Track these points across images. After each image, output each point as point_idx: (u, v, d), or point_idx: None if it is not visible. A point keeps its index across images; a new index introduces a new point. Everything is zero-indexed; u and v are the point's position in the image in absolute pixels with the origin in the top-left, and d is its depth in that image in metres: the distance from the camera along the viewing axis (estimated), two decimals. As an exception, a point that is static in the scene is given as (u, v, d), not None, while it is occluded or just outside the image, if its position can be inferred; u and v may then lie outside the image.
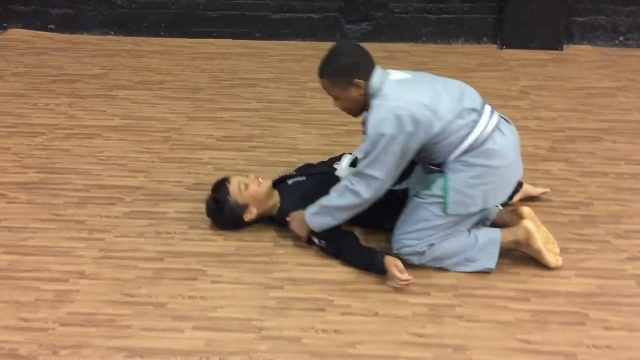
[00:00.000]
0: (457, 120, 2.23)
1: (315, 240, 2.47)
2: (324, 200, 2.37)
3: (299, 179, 2.72)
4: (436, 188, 2.30)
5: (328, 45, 2.44)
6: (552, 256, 2.41)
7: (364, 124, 2.32)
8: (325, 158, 3.07)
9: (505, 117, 2.43)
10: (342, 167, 2.65)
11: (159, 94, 3.98)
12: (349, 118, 3.35)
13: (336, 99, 2.32)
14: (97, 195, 2.93)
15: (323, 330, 2.15)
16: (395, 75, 2.30)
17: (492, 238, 2.36)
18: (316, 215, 2.39)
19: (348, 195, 2.31)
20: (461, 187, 2.28)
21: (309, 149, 3.32)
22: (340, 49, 2.32)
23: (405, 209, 2.41)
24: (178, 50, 4.69)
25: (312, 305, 2.26)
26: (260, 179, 2.60)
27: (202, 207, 2.72)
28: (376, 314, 2.22)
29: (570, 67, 4.40)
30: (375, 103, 2.22)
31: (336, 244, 2.41)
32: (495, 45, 4.77)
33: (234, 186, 2.57)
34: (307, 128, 3.54)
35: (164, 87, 4.06)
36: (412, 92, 2.22)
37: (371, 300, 2.28)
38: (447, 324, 2.19)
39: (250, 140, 3.42)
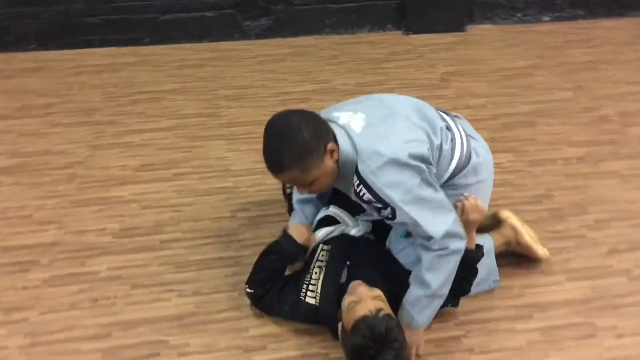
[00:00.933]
0: (442, 143, 1.96)
1: None
2: (422, 291, 1.89)
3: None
4: None
5: (229, 45, 2.06)
6: (541, 248, 2.30)
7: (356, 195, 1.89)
8: (265, 179, 2.73)
9: (456, 114, 2.20)
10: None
11: (48, 120, 3.40)
12: None
13: (312, 183, 1.82)
14: (3, 261, 2.38)
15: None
16: (353, 123, 1.85)
17: (487, 249, 2.15)
18: (423, 314, 1.92)
19: (448, 259, 1.87)
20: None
21: (244, 169, 2.95)
22: (286, 124, 1.76)
23: (395, 254, 2.10)
24: (56, 66, 4.06)
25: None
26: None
27: (140, 258, 2.30)
28: None
29: (479, 49, 4.33)
30: (366, 169, 1.78)
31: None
32: (400, 32, 4.60)
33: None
34: (234, 144, 3.16)
35: (51, 112, 3.48)
36: (390, 136, 1.82)
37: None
38: (460, 362, 1.96)
39: (174, 166, 2.98)
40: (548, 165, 2.98)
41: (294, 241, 2.04)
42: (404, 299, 1.92)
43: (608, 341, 2.04)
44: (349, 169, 1.83)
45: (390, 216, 1.82)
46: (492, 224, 2.33)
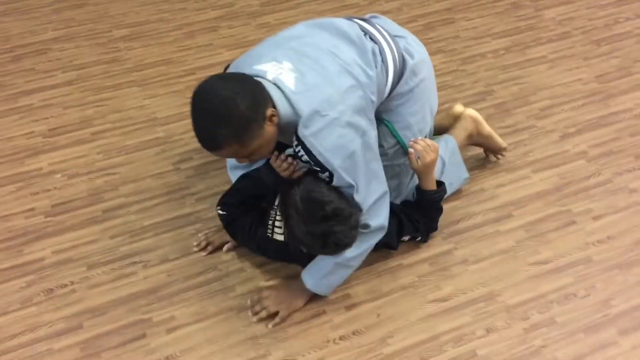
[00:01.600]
0: (370, 69, 1.78)
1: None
2: (333, 258, 1.78)
3: None
4: (385, 140, 1.93)
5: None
6: (500, 138, 2.28)
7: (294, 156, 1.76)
8: None
9: (374, 14, 2.03)
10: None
11: None
12: (192, 62, 2.76)
13: (252, 153, 1.64)
14: None
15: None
16: (284, 77, 1.64)
17: (451, 149, 2.11)
18: (325, 278, 1.83)
19: (369, 237, 1.79)
20: (407, 120, 1.94)
21: (171, 115, 2.69)
22: (218, 98, 1.54)
23: None
24: None
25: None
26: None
27: (86, 234, 2.06)
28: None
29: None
30: (306, 133, 1.62)
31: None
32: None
33: None
34: (150, 89, 2.86)
35: None
36: (326, 88, 1.64)
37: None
38: (458, 275, 1.94)
39: (89, 124, 2.66)
40: (479, 60, 2.96)
41: (275, 171, 1.85)
42: (314, 260, 1.82)
43: (588, 225, 2.09)
44: (289, 130, 1.67)
45: (327, 179, 1.69)
46: (449, 120, 2.27)
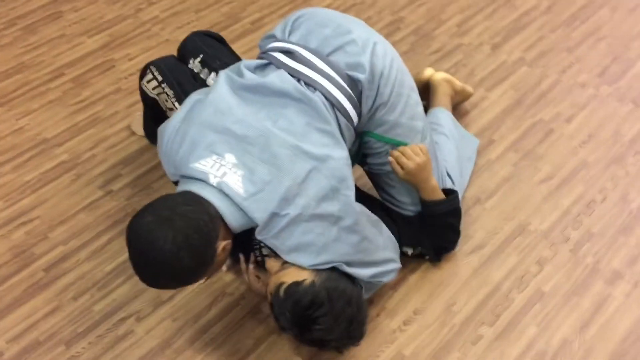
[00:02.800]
0: (327, 123, 1.50)
1: None
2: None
3: None
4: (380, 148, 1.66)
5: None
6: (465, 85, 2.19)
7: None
8: (104, 127, 2.12)
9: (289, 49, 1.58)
10: None
11: None
12: (53, 61, 2.36)
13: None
14: None
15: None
16: (229, 179, 1.38)
17: (452, 121, 2.00)
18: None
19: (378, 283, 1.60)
20: (394, 120, 1.62)
21: (63, 130, 2.24)
22: (160, 253, 1.29)
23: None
24: None
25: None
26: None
27: (38, 306, 1.67)
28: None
29: None
30: (266, 236, 1.41)
31: None
32: None
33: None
34: (18, 106, 2.34)
35: None
36: (280, 182, 1.38)
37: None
38: (480, 217, 1.86)
39: (-36, 169, 2.11)
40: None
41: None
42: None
43: (565, 129, 2.11)
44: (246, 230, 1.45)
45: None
46: (424, 86, 2.11)
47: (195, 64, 1.86)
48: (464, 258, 1.75)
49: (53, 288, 1.75)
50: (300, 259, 1.43)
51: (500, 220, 1.84)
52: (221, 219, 1.37)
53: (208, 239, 1.33)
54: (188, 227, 1.30)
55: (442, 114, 1.98)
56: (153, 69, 1.77)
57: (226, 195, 1.36)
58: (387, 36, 2.51)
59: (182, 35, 2.57)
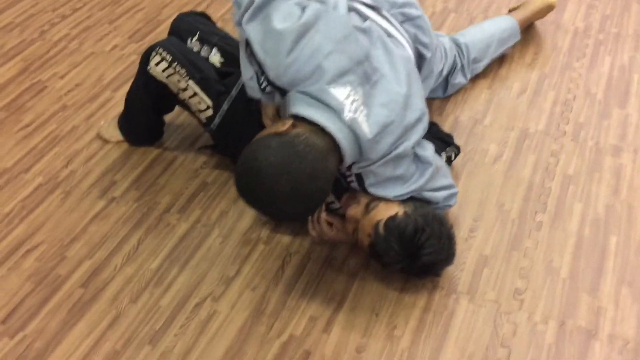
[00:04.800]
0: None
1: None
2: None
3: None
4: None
5: None
6: None
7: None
8: (75, 136, 2.04)
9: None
10: None
11: None
12: None
13: None
14: None
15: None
16: (361, 120, 1.41)
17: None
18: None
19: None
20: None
21: (21, 157, 2.08)
22: (297, 185, 1.32)
23: None
24: None
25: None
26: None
27: (94, 320, 1.58)
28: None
29: None
30: (365, 170, 1.52)
31: None
32: None
33: None
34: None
35: None
36: (396, 127, 1.47)
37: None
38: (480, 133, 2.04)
39: None
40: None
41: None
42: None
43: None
44: None
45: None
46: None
47: (193, 43, 1.85)
48: (491, 168, 1.91)
49: (102, 300, 1.62)
50: (389, 191, 1.52)
51: (503, 131, 2.04)
52: (338, 153, 1.40)
53: (329, 170, 1.39)
54: (313, 169, 1.34)
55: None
56: (161, 50, 1.73)
57: (353, 132, 1.39)
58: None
59: (106, 47, 2.51)
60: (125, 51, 2.49)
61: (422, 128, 1.55)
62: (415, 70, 1.64)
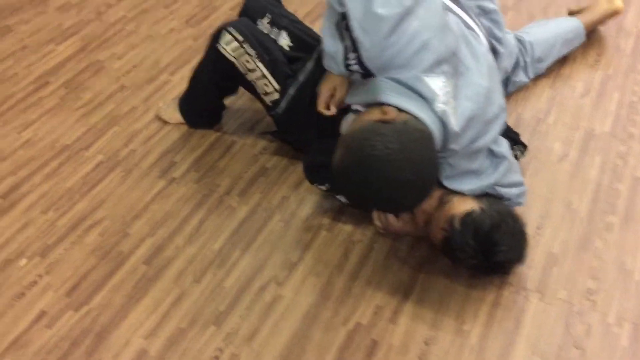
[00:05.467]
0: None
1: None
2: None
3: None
4: None
5: None
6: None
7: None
8: (141, 114, 2.03)
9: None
10: None
11: None
12: (32, 71, 2.26)
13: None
14: None
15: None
16: (450, 112, 1.39)
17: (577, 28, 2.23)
18: None
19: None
20: None
21: (82, 134, 2.07)
22: (413, 171, 1.30)
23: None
24: None
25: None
26: None
27: (160, 295, 1.57)
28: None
29: None
30: (447, 167, 1.52)
31: None
32: None
33: None
34: (14, 120, 2.12)
35: None
36: (478, 122, 1.48)
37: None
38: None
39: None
40: None
41: None
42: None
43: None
44: None
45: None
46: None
47: (264, 24, 1.83)
48: (556, 166, 1.88)
49: (165, 277, 1.62)
50: (464, 184, 1.51)
51: (567, 130, 2.00)
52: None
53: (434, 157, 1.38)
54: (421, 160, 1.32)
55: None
56: (232, 30, 1.72)
57: (442, 123, 1.37)
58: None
59: (162, 30, 2.51)
60: (181, 35, 2.48)
61: (500, 124, 1.53)
62: (494, 64, 1.62)
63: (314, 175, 1.68)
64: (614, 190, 1.81)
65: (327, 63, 1.57)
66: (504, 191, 1.57)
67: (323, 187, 1.68)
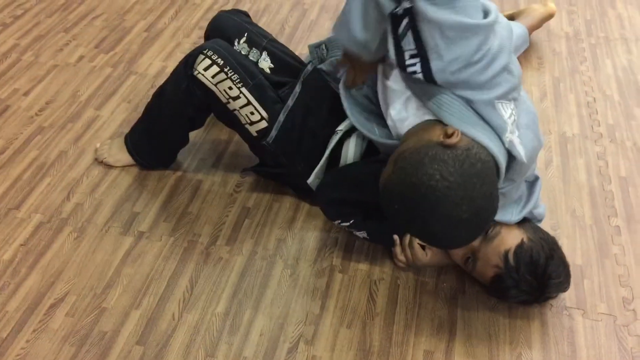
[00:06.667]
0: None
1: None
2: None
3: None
4: None
5: None
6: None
7: None
8: None
9: None
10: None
11: None
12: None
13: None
14: None
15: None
16: (517, 143, 1.26)
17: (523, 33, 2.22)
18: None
19: None
20: None
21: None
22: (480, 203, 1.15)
23: None
24: None
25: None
26: None
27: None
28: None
29: None
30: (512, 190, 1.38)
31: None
32: None
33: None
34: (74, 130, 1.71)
35: None
36: (535, 151, 1.40)
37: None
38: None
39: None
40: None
41: None
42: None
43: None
44: None
45: None
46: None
47: (241, 45, 1.61)
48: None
49: (171, 358, 1.33)
50: (509, 215, 1.40)
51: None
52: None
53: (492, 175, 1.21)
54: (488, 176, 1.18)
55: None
56: (210, 53, 1.47)
57: (509, 154, 1.24)
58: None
59: (70, 58, 2.17)
60: (95, 62, 2.16)
61: (537, 152, 1.44)
62: None
63: (337, 212, 1.48)
64: (608, 192, 1.79)
65: (355, 49, 1.32)
66: (537, 212, 1.48)
67: (346, 224, 1.49)
